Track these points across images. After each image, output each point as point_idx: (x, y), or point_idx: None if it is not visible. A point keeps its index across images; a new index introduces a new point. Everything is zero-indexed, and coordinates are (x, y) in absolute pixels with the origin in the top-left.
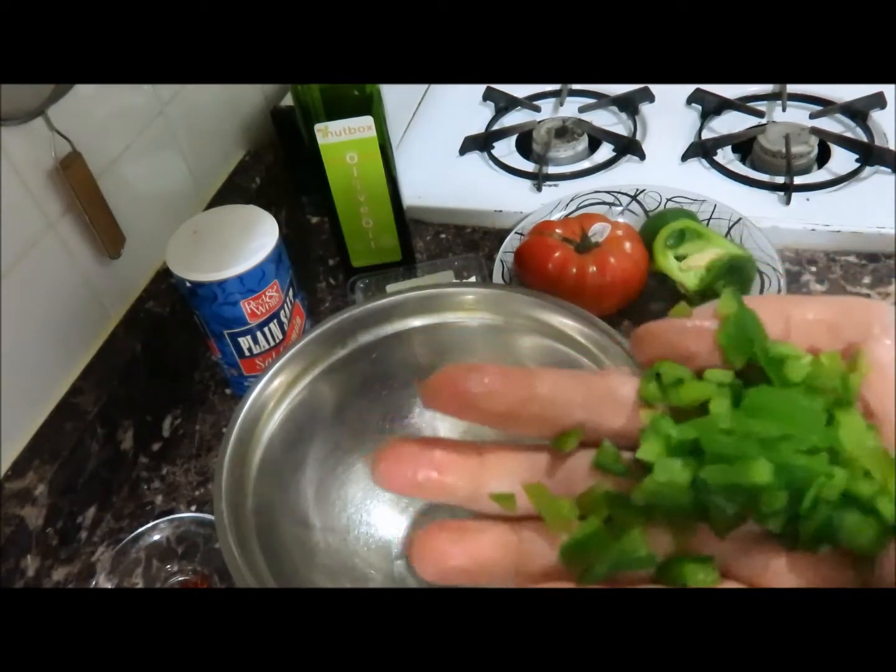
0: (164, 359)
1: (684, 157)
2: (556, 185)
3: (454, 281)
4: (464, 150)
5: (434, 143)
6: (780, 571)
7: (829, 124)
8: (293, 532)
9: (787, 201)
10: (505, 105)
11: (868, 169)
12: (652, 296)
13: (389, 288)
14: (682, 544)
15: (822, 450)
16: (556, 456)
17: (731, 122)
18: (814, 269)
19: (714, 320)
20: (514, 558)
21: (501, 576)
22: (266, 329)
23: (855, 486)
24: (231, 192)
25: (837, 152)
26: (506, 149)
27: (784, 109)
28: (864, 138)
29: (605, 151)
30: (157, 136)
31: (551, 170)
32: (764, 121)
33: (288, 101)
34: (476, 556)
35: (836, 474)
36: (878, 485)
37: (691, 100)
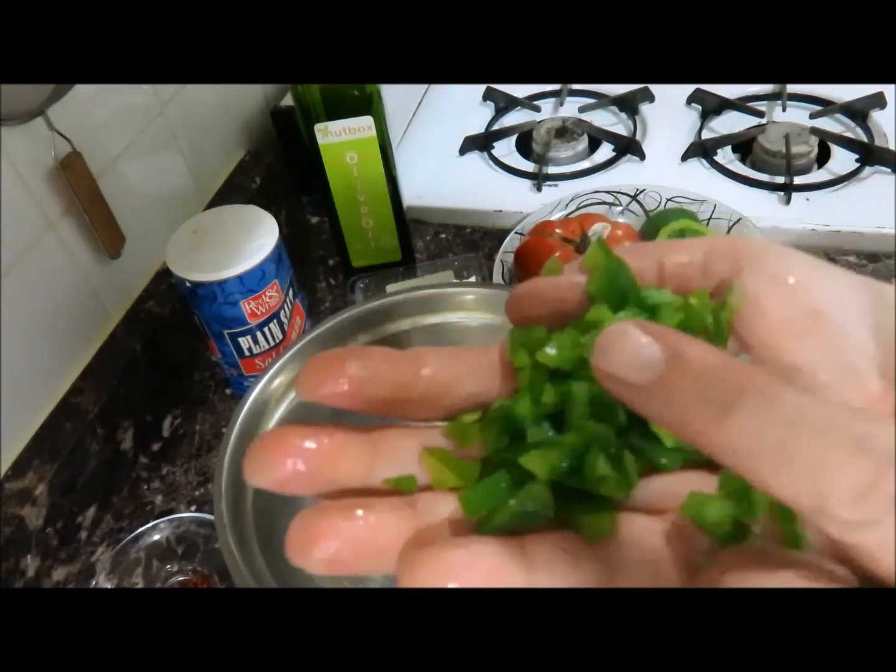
0: (164, 359)
1: (684, 157)
2: (556, 185)
3: (454, 281)
4: (464, 150)
5: (434, 143)
6: (676, 489)
7: (829, 124)
8: None
9: (787, 201)
10: (505, 105)
11: (868, 169)
12: None
13: (389, 288)
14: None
15: None
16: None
17: (731, 122)
18: None
19: (583, 274)
20: (412, 528)
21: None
22: (266, 329)
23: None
24: (231, 192)
25: (837, 152)
26: (506, 149)
27: (784, 109)
28: (864, 138)
29: (605, 151)
30: (157, 136)
31: (551, 170)
32: (764, 121)
33: (288, 101)
34: (371, 533)
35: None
36: None
37: (691, 100)
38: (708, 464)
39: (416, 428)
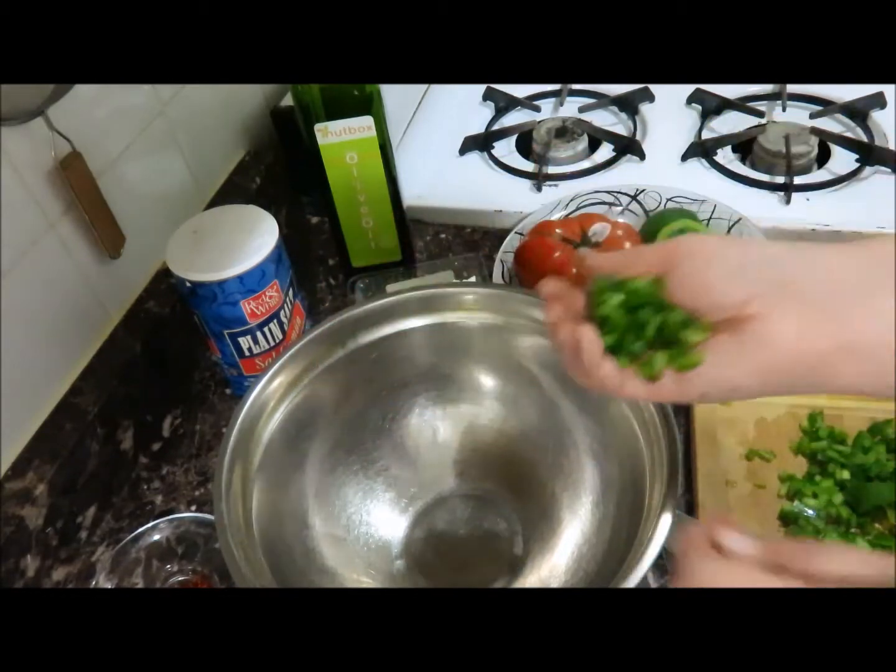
0: (164, 359)
1: (684, 157)
2: (556, 185)
3: (454, 281)
4: (464, 150)
5: (434, 143)
6: None
7: (829, 124)
8: (293, 532)
9: (787, 201)
10: (505, 105)
11: (868, 169)
12: None
13: (389, 288)
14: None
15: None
16: None
17: (731, 122)
18: None
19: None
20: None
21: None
22: (266, 329)
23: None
24: (231, 192)
25: (837, 152)
26: (506, 149)
27: (784, 109)
28: (864, 138)
29: (605, 151)
30: (157, 136)
31: (551, 170)
32: (764, 121)
33: (288, 101)
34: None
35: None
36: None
37: (691, 100)
38: None
39: None
